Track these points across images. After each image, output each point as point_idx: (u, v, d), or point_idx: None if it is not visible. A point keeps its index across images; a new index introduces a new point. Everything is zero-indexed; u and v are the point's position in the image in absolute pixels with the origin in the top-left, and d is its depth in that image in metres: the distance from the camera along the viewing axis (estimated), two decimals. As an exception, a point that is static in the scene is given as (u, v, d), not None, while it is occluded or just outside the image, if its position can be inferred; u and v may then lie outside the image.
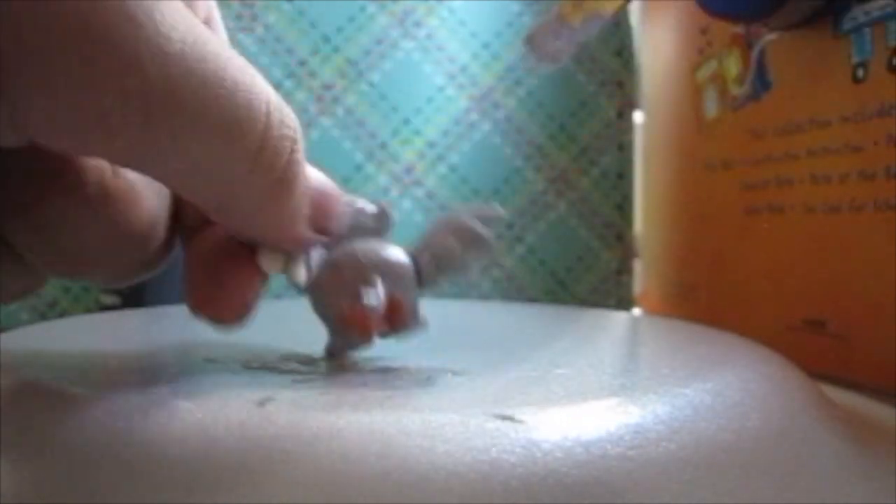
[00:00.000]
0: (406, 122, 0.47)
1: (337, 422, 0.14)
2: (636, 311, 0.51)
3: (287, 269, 0.18)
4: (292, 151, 0.15)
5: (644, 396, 0.16)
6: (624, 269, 0.50)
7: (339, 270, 0.19)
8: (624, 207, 0.50)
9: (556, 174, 0.48)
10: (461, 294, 0.47)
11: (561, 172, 0.48)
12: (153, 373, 0.19)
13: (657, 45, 0.50)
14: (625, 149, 0.50)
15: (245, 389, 0.16)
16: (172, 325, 0.27)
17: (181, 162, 0.14)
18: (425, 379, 0.18)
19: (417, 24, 0.47)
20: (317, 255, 0.19)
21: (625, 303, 0.50)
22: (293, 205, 0.16)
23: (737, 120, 0.40)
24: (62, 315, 0.42)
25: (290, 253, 0.18)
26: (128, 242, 0.17)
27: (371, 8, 0.47)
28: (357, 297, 0.18)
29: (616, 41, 0.50)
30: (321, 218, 0.17)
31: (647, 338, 0.28)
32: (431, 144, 0.47)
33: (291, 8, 0.46)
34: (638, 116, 0.51)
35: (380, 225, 0.19)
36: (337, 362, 0.20)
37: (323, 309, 0.19)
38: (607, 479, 0.14)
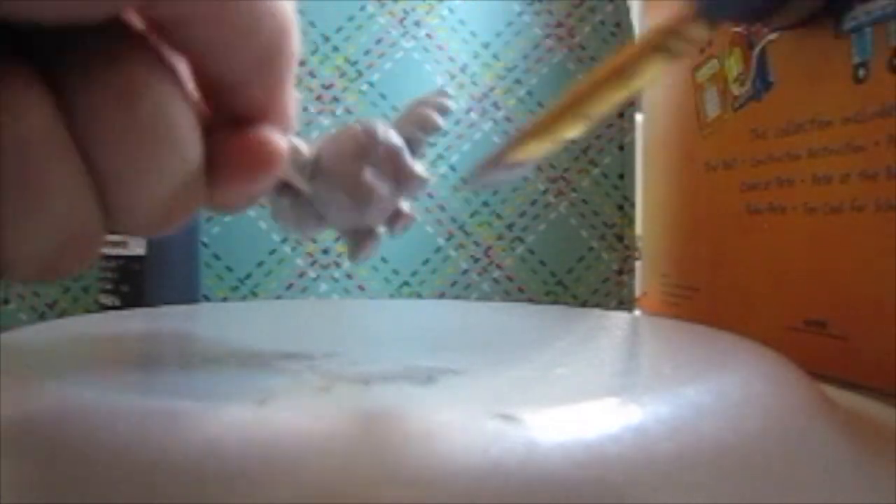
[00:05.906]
0: (406, 121, 0.47)
1: (337, 421, 0.14)
2: (637, 311, 0.51)
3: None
4: None
5: (644, 396, 0.16)
6: (624, 270, 0.50)
7: (342, 144, 0.19)
8: (624, 208, 0.50)
9: (557, 174, 0.48)
10: (461, 294, 0.46)
11: (561, 172, 0.48)
12: (153, 373, 0.19)
13: (657, 44, 0.50)
14: (625, 149, 0.50)
15: (245, 389, 0.16)
16: (172, 325, 0.27)
17: None
18: (425, 379, 0.18)
19: (417, 24, 0.47)
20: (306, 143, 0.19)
21: (625, 303, 0.50)
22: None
23: (737, 120, 0.40)
24: (61, 315, 0.42)
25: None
26: None
27: (371, 7, 0.47)
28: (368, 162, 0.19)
29: (617, 41, 0.50)
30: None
31: (647, 338, 0.28)
32: (430, 144, 0.47)
33: (291, 8, 0.46)
34: (638, 116, 0.51)
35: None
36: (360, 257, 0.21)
37: (333, 185, 0.19)
38: (607, 479, 0.14)
